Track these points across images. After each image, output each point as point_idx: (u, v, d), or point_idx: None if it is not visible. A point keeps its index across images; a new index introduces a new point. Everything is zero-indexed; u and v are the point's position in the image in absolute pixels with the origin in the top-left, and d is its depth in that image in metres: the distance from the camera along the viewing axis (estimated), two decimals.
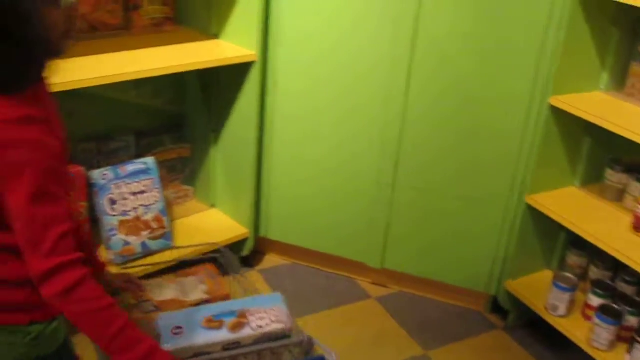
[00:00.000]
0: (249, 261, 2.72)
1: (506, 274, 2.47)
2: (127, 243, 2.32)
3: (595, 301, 2.25)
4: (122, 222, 2.31)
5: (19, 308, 1.23)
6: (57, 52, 1.19)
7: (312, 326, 2.24)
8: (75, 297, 1.14)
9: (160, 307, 1.53)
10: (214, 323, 1.39)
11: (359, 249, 2.65)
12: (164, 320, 1.38)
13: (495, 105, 2.30)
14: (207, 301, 1.56)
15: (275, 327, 1.40)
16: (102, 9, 2.30)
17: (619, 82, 2.29)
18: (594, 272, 2.38)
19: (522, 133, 2.28)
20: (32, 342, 1.26)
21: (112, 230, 2.30)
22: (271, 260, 2.77)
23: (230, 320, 1.39)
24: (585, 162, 2.40)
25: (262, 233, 2.73)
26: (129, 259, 2.31)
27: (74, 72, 1.94)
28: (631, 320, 2.19)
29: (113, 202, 2.30)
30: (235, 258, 1.69)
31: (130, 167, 2.34)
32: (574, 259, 2.46)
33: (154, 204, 2.39)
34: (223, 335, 1.37)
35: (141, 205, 2.36)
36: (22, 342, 1.25)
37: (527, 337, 2.49)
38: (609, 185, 2.35)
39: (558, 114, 2.22)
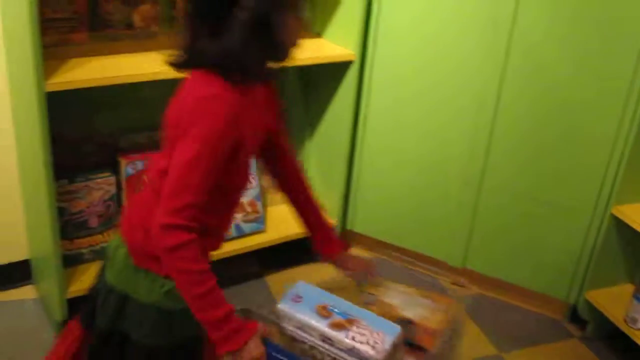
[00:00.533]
0: None
1: (587, 283, 2.48)
2: None
3: None
4: None
5: (156, 258, 1.35)
6: (285, 56, 1.35)
7: None
8: (179, 255, 1.27)
9: (376, 304, 1.60)
10: (324, 312, 1.42)
11: (441, 247, 2.72)
12: (297, 288, 1.48)
13: (587, 112, 2.32)
14: (412, 324, 1.56)
15: (365, 349, 1.36)
16: None
17: None
18: None
19: (613, 141, 2.29)
20: (165, 294, 1.40)
21: None
22: (355, 252, 2.87)
23: (337, 319, 1.41)
24: None
25: (349, 226, 2.84)
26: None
27: None
28: None
29: None
30: None
31: None
32: None
33: (249, 189, 2.55)
34: (322, 326, 1.40)
35: None
36: (158, 290, 1.40)
37: (604, 348, 2.49)
38: None
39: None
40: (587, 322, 2.53)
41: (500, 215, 2.57)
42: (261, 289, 2.62)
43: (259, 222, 2.58)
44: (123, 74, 2.06)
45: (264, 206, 2.66)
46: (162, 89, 2.57)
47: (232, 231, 2.50)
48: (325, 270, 2.88)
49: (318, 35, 2.58)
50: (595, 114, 2.31)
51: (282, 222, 2.66)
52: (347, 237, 2.87)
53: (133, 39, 2.30)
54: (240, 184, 1.45)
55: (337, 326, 1.39)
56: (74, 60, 2.08)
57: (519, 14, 2.28)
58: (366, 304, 1.58)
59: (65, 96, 1.95)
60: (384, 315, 1.48)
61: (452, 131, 2.55)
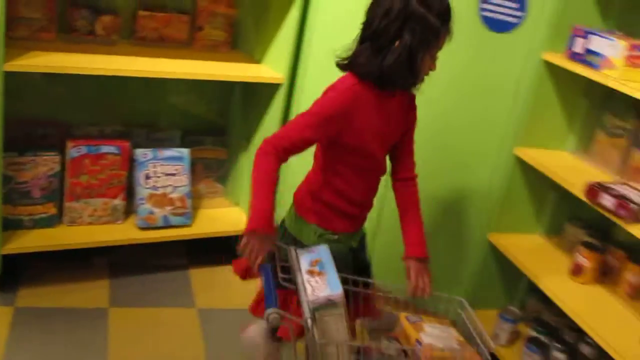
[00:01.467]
0: None
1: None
2: (151, 212, 2.82)
3: (531, 334, 2.50)
4: (151, 195, 2.82)
5: (308, 209, 1.91)
6: (413, 84, 1.85)
7: None
8: (257, 156, 1.73)
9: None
10: (314, 264, 1.72)
11: None
12: (321, 249, 1.77)
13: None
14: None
15: (308, 289, 1.63)
16: (172, 26, 2.88)
17: (585, 147, 2.58)
18: (545, 314, 2.63)
19: (489, 179, 2.62)
20: (318, 237, 1.88)
21: (141, 199, 2.80)
22: None
23: (315, 269, 1.70)
24: (549, 213, 2.68)
25: None
26: (150, 225, 2.81)
27: (145, 64, 2.59)
28: (558, 356, 2.42)
29: (148, 177, 2.82)
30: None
31: (168, 152, 2.86)
32: (532, 302, 2.71)
33: (181, 186, 2.89)
34: (304, 267, 1.72)
35: (170, 185, 2.86)
36: (313, 235, 1.89)
37: None
38: (567, 238, 2.62)
39: (523, 165, 2.55)
40: None
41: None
42: (183, 280, 2.93)
43: (186, 217, 2.90)
44: (78, 66, 2.43)
45: (194, 205, 2.99)
46: (121, 88, 3.02)
47: (159, 221, 2.83)
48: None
49: (258, 61, 2.96)
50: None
51: (210, 221, 3.00)
52: None
53: (94, 44, 2.70)
54: (359, 164, 1.87)
55: (311, 273, 1.71)
56: (37, 52, 2.47)
57: None
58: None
59: (30, 81, 2.34)
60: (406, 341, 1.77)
61: None
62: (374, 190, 1.96)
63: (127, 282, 2.81)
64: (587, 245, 2.41)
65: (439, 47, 1.78)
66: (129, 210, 2.86)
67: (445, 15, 1.74)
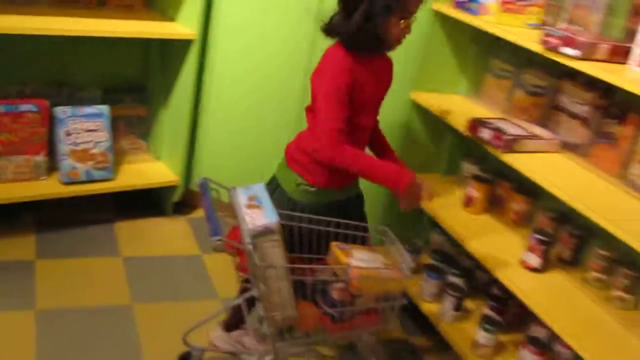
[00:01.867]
0: (180, 209, 3.31)
1: None
2: (74, 167, 2.93)
3: (429, 263, 2.74)
4: (72, 151, 2.93)
5: (295, 161, 2.12)
6: (387, 48, 2.05)
7: None
8: (332, 157, 2.01)
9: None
10: (251, 198, 1.92)
11: None
12: (257, 187, 1.98)
13: None
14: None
15: (248, 220, 1.85)
16: None
17: (477, 89, 2.81)
18: (446, 246, 2.88)
19: (391, 122, 2.81)
20: (296, 186, 2.10)
21: (63, 155, 2.91)
22: (200, 212, 3.35)
23: (254, 203, 1.91)
24: (447, 153, 2.91)
25: (193, 187, 3.31)
26: (73, 180, 2.93)
27: (61, 23, 2.68)
28: (454, 280, 2.66)
29: (68, 133, 2.92)
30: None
31: (87, 110, 2.96)
32: (435, 236, 2.95)
33: (102, 142, 3.00)
34: (243, 202, 1.93)
35: (91, 141, 2.98)
36: (293, 183, 2.10)
37: None
38: (462, 175, 2.86)
39: (418, 108, 2.76)
40: None
41: None
42: (109, 232, 3.06)
43: (108, 171, 3.03)
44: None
45: (118, 161, 3.13)
46: (41, 48, 3.07)
47: (82, 176, 2.95)
48: (171, 225, 3.37)
49: (172, 19, 3.08)
50: None
51: (133, 175, 3.13)
52: (193, 198, 3.33)
53: (11, 4, 2.76)
54: (357, 123, 2.05)
55: (250, 207, 1.90)
56: None
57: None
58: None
59: None
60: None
61: (282, 93, 3.07)
62: (363, 147, 2.17)
63: (54, 236, 2.93)
64: (476, 178, 2.64)
65: (409, 12, 1.96)
66: (53, 167, 2.97)
67: None
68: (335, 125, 1.95)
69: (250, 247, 1.79)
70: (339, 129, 1.95)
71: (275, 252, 1.90)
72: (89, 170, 2.98)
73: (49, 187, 2.91)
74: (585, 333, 2.03)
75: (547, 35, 2.08)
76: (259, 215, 1.88)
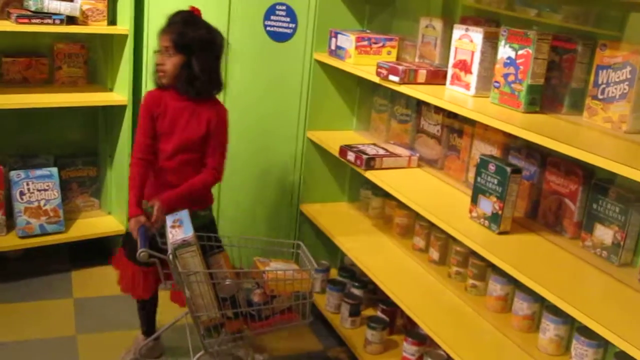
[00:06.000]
0: None
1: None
2: (28, 223, 3.37)
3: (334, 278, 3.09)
4: (27, 208, 3.37)
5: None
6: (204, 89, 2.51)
7: None
8: None
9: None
10: (176, 221, 2.32)
11: None
12: (182, 213, 2.36)
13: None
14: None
15: (170, 236, 2.24)
16: (34, 67, 3.48)
17: (365, 124, 3.21)
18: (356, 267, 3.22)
19: (293, 160, 3.23)
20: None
21: (19, 212, 3.36)
22: None
23: (177, 224, 2.31)
24: (348, 183, 3.30)
25: None
26: (29, 234, 3.36)
27: (14, 99, 3.17)
28: (354, 291, 2.99)
29: (22, 193, 3.38)
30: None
31: (38, 172, 3.43)
32: (347, 257, 3.30)
33: (53, 199, 3.45)
34: (169, 223, 2.32)
35: (43, 199, 3.42)
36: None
37: None
38: (362, 200, 3.23)
39: (315, 145, 3.18)
40: None
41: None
42: (64, 279, 3.47)
43: (60, 224, 3.46)
44: None
45: (74, 217, 3.57)
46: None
47: (36, 229, 3.38)
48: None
49: (111, 90, 3.56)
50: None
51: (84, 227, 3.57)
52: None
53: None
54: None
55: (174, 227, 2.30)
56: None
57: None
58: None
59: None
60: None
61: None
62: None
63: (13, 285, 3.34)
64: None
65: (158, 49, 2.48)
66: (11, 225, 3.41)
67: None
68: None
69: (171, 257, 2.18)
70: None
71: (194, 261, 2.27)
72: (43, 224, 3.41)
73: (8, 241, 3.33)
74: (444, 322, 2.35)
75: (380, 67, 2.50)
76: (179, 232, 2.28)
